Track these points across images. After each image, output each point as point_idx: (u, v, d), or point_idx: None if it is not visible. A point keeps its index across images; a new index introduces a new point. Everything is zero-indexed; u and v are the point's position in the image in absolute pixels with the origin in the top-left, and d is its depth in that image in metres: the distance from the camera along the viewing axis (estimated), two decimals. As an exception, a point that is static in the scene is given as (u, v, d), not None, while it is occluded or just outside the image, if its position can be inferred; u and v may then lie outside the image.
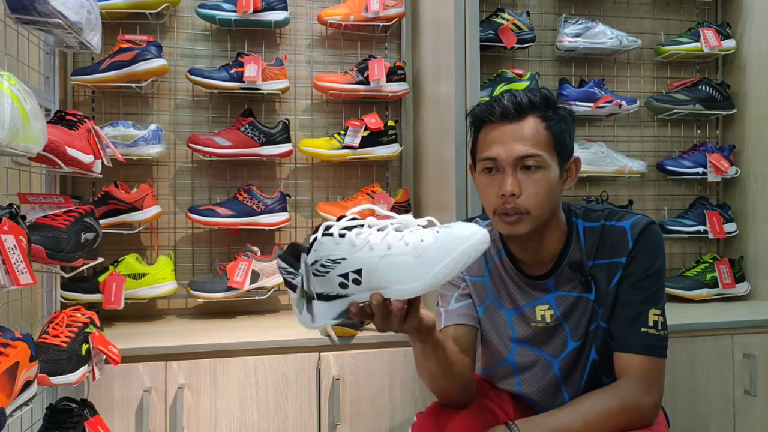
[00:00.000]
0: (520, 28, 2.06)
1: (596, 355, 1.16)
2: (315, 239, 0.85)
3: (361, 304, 0.87)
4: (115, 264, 1.78)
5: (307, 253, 0.85)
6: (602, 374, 1.16)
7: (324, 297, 0.86)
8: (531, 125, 1.08)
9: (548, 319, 1.17)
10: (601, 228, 1.15)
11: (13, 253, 1.02)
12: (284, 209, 1.95)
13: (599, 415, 1.03)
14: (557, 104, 1.12)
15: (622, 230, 1.13)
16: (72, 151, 1.30)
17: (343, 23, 2.03)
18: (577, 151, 2.04)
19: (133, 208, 1.81)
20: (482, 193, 1.13)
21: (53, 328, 1.29)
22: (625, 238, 1.12)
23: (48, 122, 1.30)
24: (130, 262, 1.79)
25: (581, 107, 2.08)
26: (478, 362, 1.29)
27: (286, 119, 1.96)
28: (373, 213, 0.92)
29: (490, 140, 1.10)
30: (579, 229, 1.16)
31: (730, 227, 2.15)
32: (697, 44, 2.15)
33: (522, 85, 2.03)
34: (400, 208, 2.00)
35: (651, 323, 1.08)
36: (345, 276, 0.84)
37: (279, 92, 1.99)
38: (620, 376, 1.08)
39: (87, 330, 1.32)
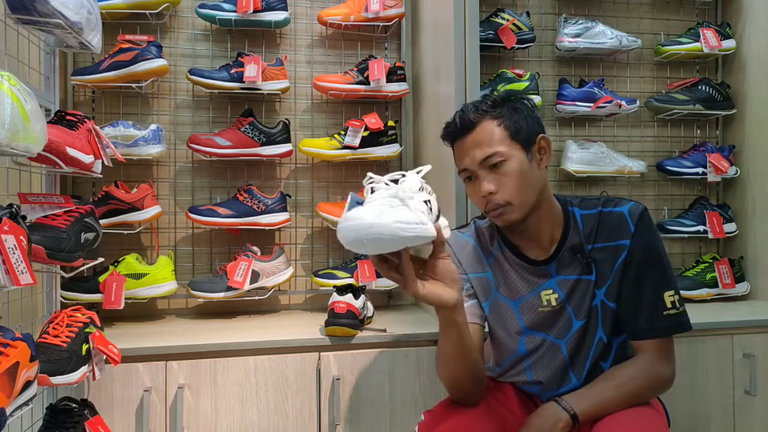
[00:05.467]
0: (520, 28, 2.06)
1: (603, 333, 1.21)
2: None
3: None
4: (115, 264, 1.78)
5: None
6: (605, 358, 1.22)
7: None
8: (483, 129, 1.18)
9: (554, 303, 1.23)
10: (598, 214, 1.23)
11: (13, 253, 1.02)
12: (284, 209, 1.95)
13: (627, 384, 1.14)
14: (509, 100, 1.21)
15: (621, 215, 1.20)
16: (72, 151, 1.30)
17: (343, 23, 2.03)
18: (577, 151, 2.08)
19: (134, 208, 1.81)
20: (471, 199, 1.26)
21: (53, 328, 1.29)
22: (626, 222, 1.19)
23: (48, 122, 1.30)
24: (130, 262, 1.79)
25: (581, 107, 2.09)
26: (490, 360, 1.31)
27: (286, 119, 1.96)
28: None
29: (459, 154, 1.22)
30: (576, 216, 1.24)
31: (729, 227, 2.15)
32: (697, 44, 2.15)
33: (522, 86, 2.03)
34: (400, 208, 2.00)
35: (669, 304, 1.17)
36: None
37: (279, 92, 1.99)
38: (639, 351, 1.18)
39: (87, 330, 1.32)
